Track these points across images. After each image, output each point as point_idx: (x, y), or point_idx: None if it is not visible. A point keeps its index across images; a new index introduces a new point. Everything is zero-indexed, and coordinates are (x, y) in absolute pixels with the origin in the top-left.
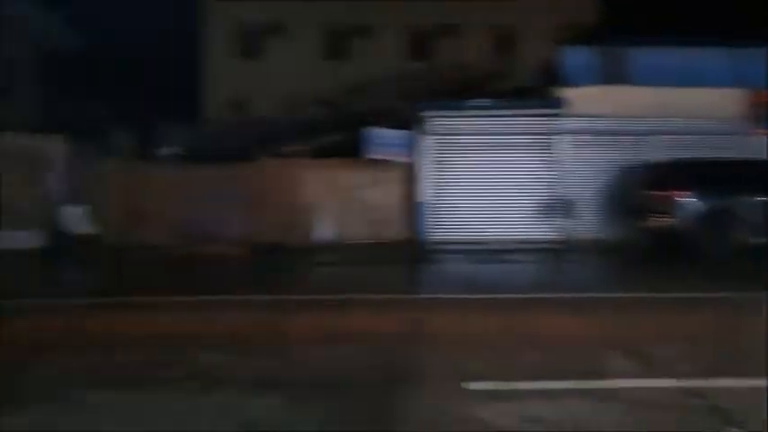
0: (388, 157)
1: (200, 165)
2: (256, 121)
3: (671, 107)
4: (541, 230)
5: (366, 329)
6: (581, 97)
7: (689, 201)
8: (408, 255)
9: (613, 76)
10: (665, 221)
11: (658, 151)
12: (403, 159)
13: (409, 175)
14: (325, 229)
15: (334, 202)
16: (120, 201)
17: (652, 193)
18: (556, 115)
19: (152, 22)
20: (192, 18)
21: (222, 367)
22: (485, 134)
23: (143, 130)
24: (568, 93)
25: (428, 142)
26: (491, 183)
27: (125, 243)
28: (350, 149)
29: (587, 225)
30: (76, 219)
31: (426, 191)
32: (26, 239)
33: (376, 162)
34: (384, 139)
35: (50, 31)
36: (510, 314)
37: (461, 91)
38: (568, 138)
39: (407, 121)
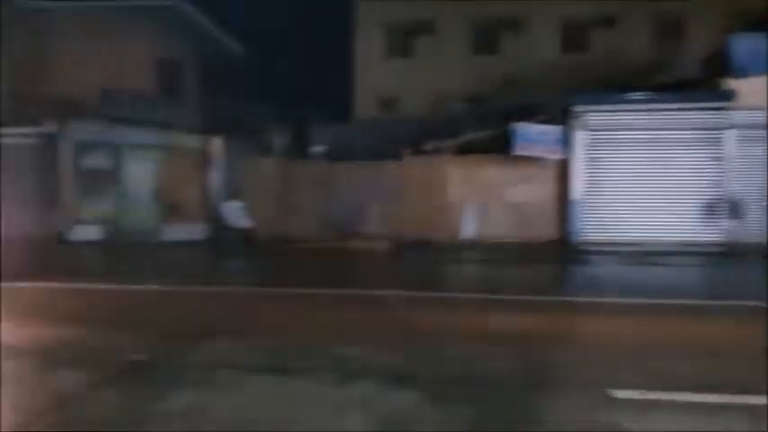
0: (537, 154)
1: (347, 162)
2: (403, 119)
3: None
4: (704, 232)
5: (511, 330)
6: (752, 88)
7: None
8: (558, 255)
9: None
10: None
11: None
12: (554, 156)
13: (560, 173)
14: (469, 227)
15: (480, 200)
16: (272, 197)
17: None
18: (723, 108)
19: (305, 23)
20: (343, 18)
21: (362, 360)
22: (644, 129)
23: (297, 130)
24: (738, 84)
25: (582, 138)
26: (649, 181)
27: (276, 237)
28: (498, 146)
29: (756, 227)
30: (235, 214)
31: (578, 189)
32: (190, 232)
33: (525, 159)
34: (534, 135)
35: (212, 35)
36: (664, 320)
37: (619, 84)
38: (737, 133)
39: (560, 116)
